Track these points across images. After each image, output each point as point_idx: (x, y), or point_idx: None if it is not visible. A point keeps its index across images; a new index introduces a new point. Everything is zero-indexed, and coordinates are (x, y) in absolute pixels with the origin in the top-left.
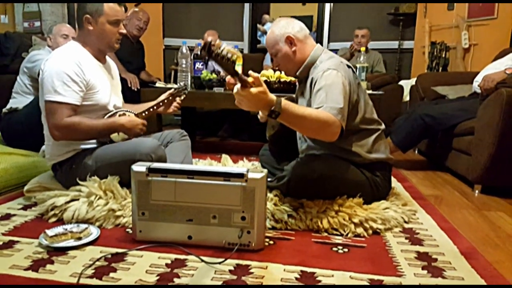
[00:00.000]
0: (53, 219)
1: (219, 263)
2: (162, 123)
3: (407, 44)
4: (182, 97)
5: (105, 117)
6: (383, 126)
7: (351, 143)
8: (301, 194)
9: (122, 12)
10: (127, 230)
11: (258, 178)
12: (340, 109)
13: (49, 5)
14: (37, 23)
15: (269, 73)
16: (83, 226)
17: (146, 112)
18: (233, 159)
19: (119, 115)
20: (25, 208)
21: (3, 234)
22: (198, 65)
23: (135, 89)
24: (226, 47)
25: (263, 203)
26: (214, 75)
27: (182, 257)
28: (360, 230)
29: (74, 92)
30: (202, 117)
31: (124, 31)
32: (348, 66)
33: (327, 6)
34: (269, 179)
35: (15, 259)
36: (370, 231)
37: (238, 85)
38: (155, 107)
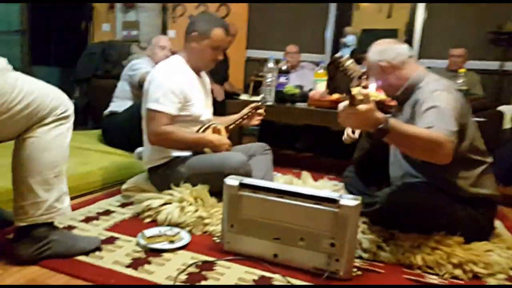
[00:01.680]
0: (148, 220)
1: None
2: (242, 132)
3: (509, 65)
4: (263, 109)
5: (200, 130)
6: (491, 159)
7: (455, 174)
8: (392, 224)
9: (226, 41)
10: (214, 238)
11: (352, 206)
12: (453, 132)
13: (146, 15)
14: (134, 32)
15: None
16: (176, 230)
17: (233, 125)
18: (312, 176)
19: (213, 128)
20: (122, 205)
21: (106, 230)
22: (282, 79)
23: (220, 100)
24: (351, 63)
25: (354, 232)
26: (297, 90)
27: (268, 274)
28: (458, 272)
29: (173, 103)
30: (279, 129)
31: (221, 57)
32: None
33: (419, 20)
34: None
35: (117, 255)
36: (470, 275)
37: (345, 102)
38: (241, 120)
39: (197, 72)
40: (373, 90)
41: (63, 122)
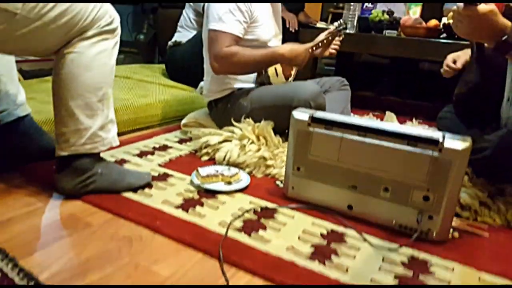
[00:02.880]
0: (206, 157)
1: (390, 250)
2: (316, 72)
3: None
4: (341, 38)
5: None
6: None
7: None
8: (503, 177)
9: None
10: (277, 182)
11: (459, 149)
12: None
13: None
14: None
15: None
16: (234, 170)
17: (310, 51)
18: (398, 119)
19: None
20: (180, 142)
21: (159, 165)
22: (368, 4)
23: (293, 30)
24: None
25: (459, 183)
26: (386, 16)
27: (340, 229)
28: None
29: (238, 22)
30: (358, 67)
31: None
32: None
33: None
34: None
35: (168, 194)
36: None
37: (461, 4)
38: (314, 48)
39: None
40: None
41: (108, 37)
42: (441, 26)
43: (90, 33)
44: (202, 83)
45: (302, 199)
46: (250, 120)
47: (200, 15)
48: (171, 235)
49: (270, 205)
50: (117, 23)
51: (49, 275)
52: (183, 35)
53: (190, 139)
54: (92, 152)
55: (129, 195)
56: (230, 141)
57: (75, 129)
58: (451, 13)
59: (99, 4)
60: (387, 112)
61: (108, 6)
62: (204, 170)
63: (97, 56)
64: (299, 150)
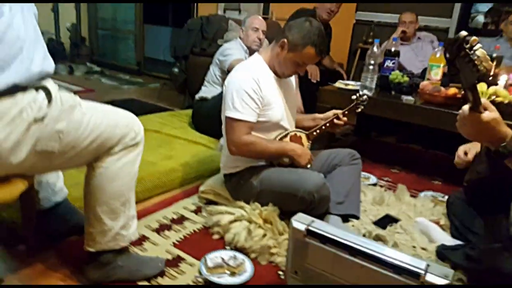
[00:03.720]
0: (217, 236)
1: None
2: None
3: None
4: (359, 110)
5: (278, 138)
6: None
7: None
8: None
9: (313, 61)
10: (280, 273)
11: (440, 284)
12: None
13: None
14: None
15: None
16: (240, 258)
17: (318, 131)
18: (412, 183)
19: (290, 136)
20: (196, 211)
21: (174, 245)
22: (389, 63)
23: (315, 81)
24: (481, 50)
25: None
26: (405, 78)
27: None
28: None
29: (251, 109)
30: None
31: (301, 73)
32: None
33: None
34: (453, 243)
35: (178, 284)
36: None
37: (466, 106)
38: (327, 125)
39: (278, 74)
40: (503, 87)
41: (132, 150)
42: (461, 95)
43: (116, 149)
44: (222, 140)
45: None
46: (257, 204)
47: (225, 74)
48: None
49: None
50: (140, 136)
51: None
52: (209, 90)
53: (208, 204)
54: (115, 248)
55: (144, 284)
56: (241, 221)
57: (101, 230)
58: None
59: (125, 123)
60: (399, 186)
61: (132, 122)
62: (211, 260)
63: (122, 168)
64: (296, 256)
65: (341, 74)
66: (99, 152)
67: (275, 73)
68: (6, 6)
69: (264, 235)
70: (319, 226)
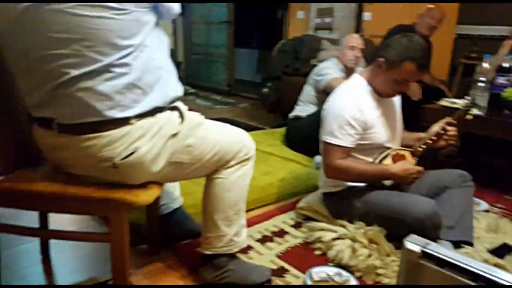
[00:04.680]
0: (318, 252)
1: None
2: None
3: None
4: (470, 118)
5: (378, 159)
6: None
7: None
8: None
9: (415, 77)
10: None
11: None
12: None
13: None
14: (328, 20)
15: None
16: (345, 275)
17: (424, 146)
18: None
19: (392, 156)
20: (295, 226)
21: (278, 257)
22: (501, 79)
23: (416, 99)
24: None
25: None
26: None
27: None
28: None
29: (349, 136)
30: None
31: (405, 90)
32: None
33: None
34: None
35: None
36: None
37: None
38: (434, 139)
39: (380, 94)
40: None
41: (245, 164)
42: None
43: (232, 163)
44: (316, 157)
45: None
46: (362, 224)
47: (320, 93)
48: None
49: None
50: (252, 151)
51: None
52: (303, 109)
53: (303, 225)
54: (228, 253)
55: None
56: (343, 239)
57: (216, 235)
58: None
59: (239, 139)
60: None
61: (246, 139)
62: (317, 274)
63: (237, 180)
64: (409, 279)
65: (443, 91)
66: (218, 164)
67: (377, 93)
68: (148, 39)
69: (370, 255)
70: (435, 248)
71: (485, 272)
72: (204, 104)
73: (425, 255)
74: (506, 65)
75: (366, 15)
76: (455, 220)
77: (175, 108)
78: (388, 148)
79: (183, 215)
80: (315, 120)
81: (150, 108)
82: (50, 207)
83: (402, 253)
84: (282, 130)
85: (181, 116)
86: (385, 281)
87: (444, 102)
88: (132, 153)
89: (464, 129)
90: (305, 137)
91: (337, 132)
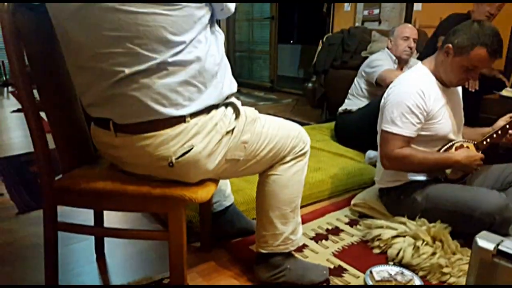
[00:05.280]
0: (377, 251)
1: None
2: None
3: None
4: None
5: (441, 150)
6: None
7: None
8: None
9: (485, 64)
10: None
11: None
12: None
13: None
14: (376, 11)
15: None
16: (408, 275)
17: (488, 140)
18: None
19: (456, 148)
20: (351, 224)
21: (334, 255)
22: None
23: (473, 90)
24: None
25: None
26: None
27: None
28: None
29: (411, 124)
30: None
31: (474, 79)
32: None
33: None
34: None
35: None
36: None
37: None
38: (499, 133)
39: (445, 84)
40: None
41: (301, 159)
42: None
43: (288, 158)
44: (370, 153)
45: None
46: (424, 220)
47: (372, 86)
48: None
49: None
50: (308, 146)
51: None
52: (353, 103)
53: (359, 223)
54: (284, 251)
55: None
56: (404, 236)
57: (273, 234)
58: None
59: (295, 134)
60: None
61: (301, 133)
62: (378, 273)
63: (293, 176)
64: (481, 279)
65: (503, 81)
66: (274, 160)
67: (442, 83)
68: (202, 35)
69: (434, 253)
70: (511, 245)
71: None
72: (248, 100)
73: (499, 253)
74: None
75: (416, 5)
76: None
77: (229, 104)
78: (451, 140)
79: (235, 212)
80: (367, 114)
81: (205, 106)
82: (109, 205)
83: (473, 251)
84: (330, 125)
85: (236, 112)
86: (451, 280)
87: (506, 92)
88: (188, 151)
89: None
90: (356, 131)
91: (398, 121)
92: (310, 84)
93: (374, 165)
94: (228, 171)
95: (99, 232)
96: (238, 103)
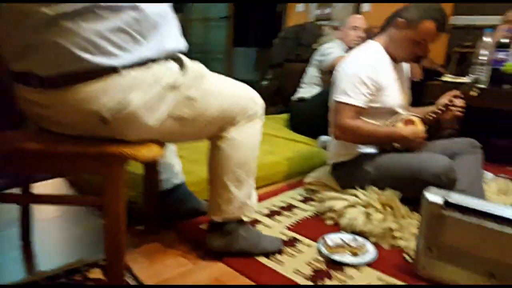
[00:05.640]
0: (330, 222)
1: None
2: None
3: None
4: (476, 94)
5: (388, 121)
6: None
7: None
8: None
9: (433, 38)
10: (405, 256)
11: None
12: None
13: None
14: (327, 10)
15: None
16: (360, 240)
17: (434, 115)
18: None
19: (404, 121)
20: (304, 201)
21: (288, 228)
22: (501, 55)
23: (417, 80)
24: None
25: None
26: None
27: None
28: None
29: (362, 95)
30: (491, 113)
31: (423, 54)
32: None
33: None
34: None
35: (297, 262)
36: None
37: None
38: (443, 109)
39: (395, 59)
40: None
41: (254, 122)
42: None
43: (239, 118)
44: (323, 137)
45: (435, 279)
46: (375, 188)
47: (325, 73)
48: None
49: (401, 283)
50: (261, 110)
51: None
52: (307, 91)
53: (314, 194)
54: (239, 217)
55: (264, 260)
56: (355, 206)
57: (227, 199)
58: None
59: (246, 95)
60: None
61: (252, 94)
62: (331, 240)
63: (245, 138)
64: (431, 232)
65: (443, 74)
66: (224, 121)
67: (393, 58)
68: None
69: (385, 219)
70: (457, 197)
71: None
72: None
73: (448, 205)
74: (505, 40)
75: (365, 6)
76: (466, 184)
77: (174, 59)
78: (399, 113)
79: (186, 192)
80: (320, 101)
81: (142, 59)
82: (40, 167)
83: (423, 206)
84: (284, 115)
85: (182, 66)
86: (402, 244)
87: (446, 77)
88: (124, 106)
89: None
90: (310, 118)
91: (350, 91)
92: (264, 82)
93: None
94: (174, 132)
95: (25, 199)
96: (184, 58)
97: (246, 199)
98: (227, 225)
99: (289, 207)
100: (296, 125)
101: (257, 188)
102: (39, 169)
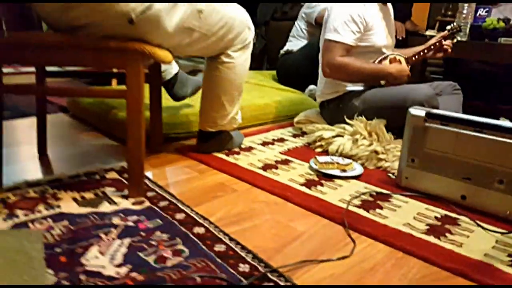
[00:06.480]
0: (319, 149)
1: (502, 233)
2: (425, 72)
3: None
4: (455, 40)
5: (376, 61)
6: None
7: None
8: None
9: None
10: (389, 174)
11: None
12: None
13: None
14: None
15: None
16: (348, 160)
17: (416, 56)
18: None
19: (390, 60)
20: (294, 136)
21: (280, 153)
22: (481, 11)
23: (401, 38)
24: None
25: None
26: (501, 24)
27: (452, 215)
28: None
29: (351, 32)
30: (467, 76)
31: None
32: None
33: None
34: None
35: (292, 174)
36: None
37: None
38: (425, 51)
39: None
40: None
41: (246, 49)
42: None
43: (237, 44)
44: (311, 86)
45: (416, 188)
46: (362, 118)
47: (311, 26)
48: (300, 203)
49: (384, 191)
50: (252, 37)
51: (216, 219)
52: (294, 44)
53: (303, 134)
54: (230, 129)
55: (261, 172)
56: (342, 136)
57: (222, 114)
58: None
59: (243, 20)
60: (501, 119)
61: (248, 21)
62: (322, 158)
63: (242, 63)
64: (414, 143)
65: (425, 35)
66: (224, 41)
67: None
68: None
69: (371, 144)
70: (438, 111)
71: (490, 122)
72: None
73: (429, 116)
74: None
75: None
76: None
77: None
78: (385, 53)
79: (183, 76)
80: (307, 53)
81: None
82: (63, 59)
83: (407, 121)
84: (272, 72)
85: None
86: (386, 165)
87: (429, 32)
88: (149, 7)
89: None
90: (297, 70)
91: (340, 29)
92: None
93: (314, 99)
94: (182, 44)
95: (47, 90)
96: None
97: (235, 115)
98: (222, 134)
99: (281, 140)
100: (283, 78)
101: (249, 126)
102: (63, 60)
